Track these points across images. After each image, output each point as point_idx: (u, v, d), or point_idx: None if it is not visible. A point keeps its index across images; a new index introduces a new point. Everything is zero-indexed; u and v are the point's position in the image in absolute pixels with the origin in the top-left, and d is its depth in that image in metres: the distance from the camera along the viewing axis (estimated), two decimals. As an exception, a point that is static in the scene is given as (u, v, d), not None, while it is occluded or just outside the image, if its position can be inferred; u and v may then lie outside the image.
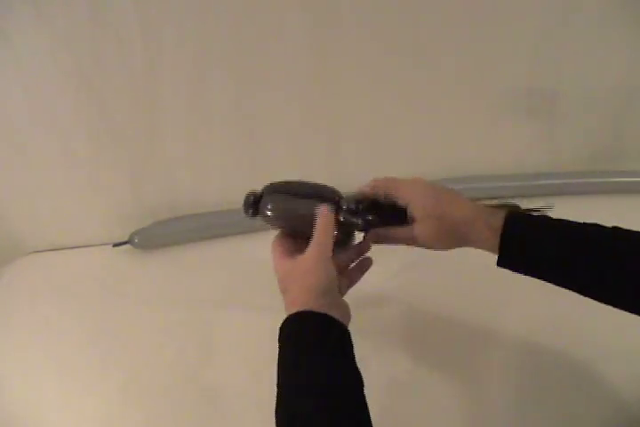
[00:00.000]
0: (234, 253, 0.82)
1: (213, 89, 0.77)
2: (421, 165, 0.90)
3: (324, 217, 0.49)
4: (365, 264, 0.55)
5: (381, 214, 0.52)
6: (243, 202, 0.51)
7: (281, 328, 0.45)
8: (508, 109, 0.88)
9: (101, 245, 0.87)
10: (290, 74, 0.79)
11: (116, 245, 0.84)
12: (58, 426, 0.62)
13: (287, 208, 0.50)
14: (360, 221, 0.52)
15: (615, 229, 0.44)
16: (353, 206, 0.51)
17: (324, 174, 0.87)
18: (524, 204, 0.52)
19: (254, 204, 0.51)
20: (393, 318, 0.69)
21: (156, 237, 0.86)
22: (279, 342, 0.45)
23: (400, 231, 0.51)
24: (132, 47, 0.72)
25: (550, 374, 0.62)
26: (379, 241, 0.54)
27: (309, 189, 0.52)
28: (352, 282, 0.54)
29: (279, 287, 0.50)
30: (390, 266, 0.62)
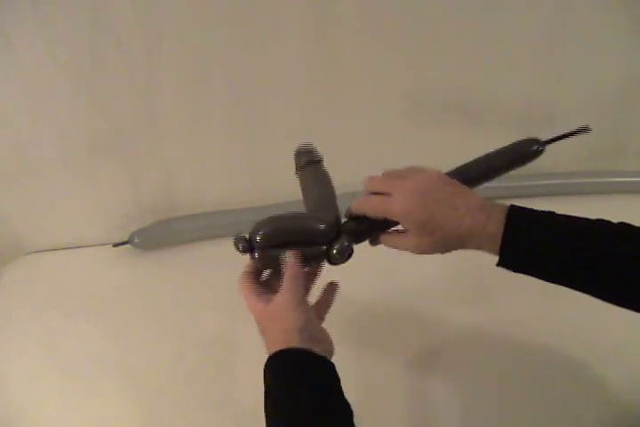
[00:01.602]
0: (234, 254, 0.82)
1: (213, 89, 0.77)
2: (422, 164, 0.90)
3: (290, 268, 0.49)
4: (333, 288, 0.55)
5: (376, 227, 0.51)
6: (233, 244, 0.52)
7: (265, 369, 0.45)
8: (507, 109, 0.88)
9: (101, 245, 0.87)
10: (290, 74, 0.79)
11: (115, 245, 0.84)
12: (57, 426, 0.62)
13: (274, 261, 0.51)
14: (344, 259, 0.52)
15: (622, 225, 0.44)
16: (346, 245, 0.51)
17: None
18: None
19: (243, 251, 0.52)
20: (386, 320, 0.70)
21: (156, 237, 0.86)
22: (264, 382, 0.44)
23: (394, 240, 0.51)
24: (131, 47, 0.72)
25: (549, 375, 0.62)
26: (376, 244, 0.54)
27: (300, 234, 0.51)
28: (328, 305, 0.54)
29: (258, 328, 0.50)
30: (383, 267, 0.62)
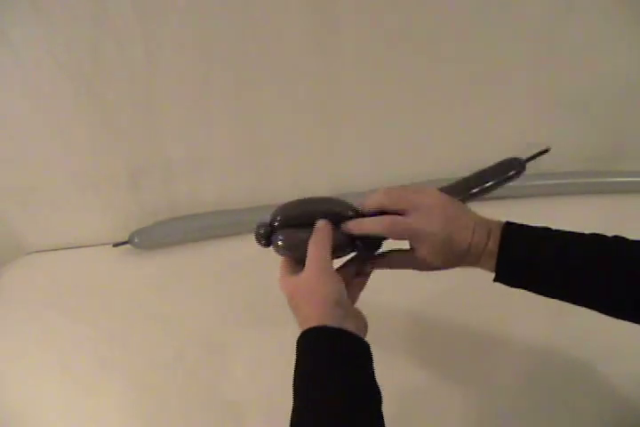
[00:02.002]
0: (234, 254, 0.82)
1: (213, 89, 0.77)
2: (422, 164, 0.90)
3: (319, 231, 0.48)
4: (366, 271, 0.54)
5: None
6: (254, 233, 0.51)
7: (297, 344, 0.44)
8: (507, 109, 0.88)
9: (101, 245, 0.87)
10: (290, 74, 0.79)
11: (115, 245, 0.84)
12: (57, 426, 0.62)
13: (298, 242, 0.49)
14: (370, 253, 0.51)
15: (616, 238, 0.44)
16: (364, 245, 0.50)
17: (324, 175, 0.88)
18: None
19: (265, 236, 0.50)
20: (398, 325, 0.70)
21: (156, 237, 0.86)
22: (296, 356, 0.43)
23: (402, 259, 0.50)
24: (132, 47, 0.72)
25: (550, 375, 0.62)
26: (378, 266, 0.53)
27: (321, 215, 0.50)
28: (360, 288, 0.53)
29: (290, 306, 0.48)
30: (395, 274, 0.63)
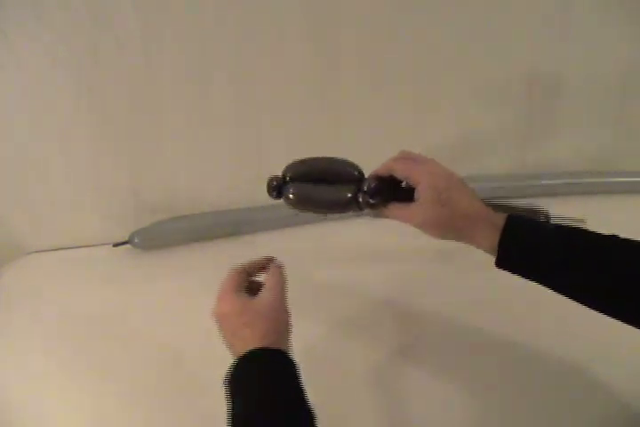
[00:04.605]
0: (234, 254, 0.82)
1: (213, 89, 0.77)
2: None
3: (276, 269, 0.52)
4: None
5: (392, 192, 0.52)
6: (266, 185, 0.54)
7: (237, 366, 0.45)
8: (508, 109, 0.88)
9: (101, 245, 0.87)
10: (290, 74, 0.79)
11: (115, 245, 0.84)
12: (57, 426, 0.62)
13: (308, 196, 0.53)
14: (376, 201, 0.52)
15: (614, 236, 0.44)
16: (372, 187, 0.52)
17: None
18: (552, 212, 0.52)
19: (277, 188, 0.54)
20: (388, 319, 0.70)
21: (156, 237, 0.86)
22: (231, 378, 0.44)
23: (401, 209, 0.51)
24: (131, 47, 0.72)
25: (548, 375, 0.62)
26: (379, 215, 0.54)
27: (332, 174, 0.54)
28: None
29: (226, 321, 0.50)
30: (389, 267, 0.63)
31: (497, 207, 0.54)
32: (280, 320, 0.48)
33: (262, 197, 0.88)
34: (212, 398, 0.63)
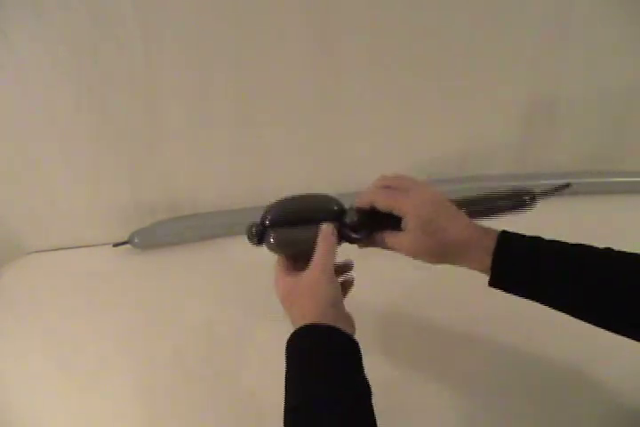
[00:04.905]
0: (234, 254, 0.82)
1: (213, 89, 0.77)
2: (422, 165, 0.90)
3: (327, 237, 0.50)
4: (349, 267, 0.57)
5: (378, 222, 0.51)
6: (245, 232, 0.53)
7: (290, 341, 0.46)
8: (508, 109, 0.88)
9: (101, 245, 0.87)
10: (291, 74, 0.79)
11: (115, 245, 0.84)
12: (57, 426, 0.62)
13: (290, 239, 0.52)
14: (360, 236, 0.52)
15: (608, 250, 0.44)
16: (355, 221, 0.51)
17: (324, 176, 0.88)
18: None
19: (257, 234, 0.53)
20: (396, 325, 0.70)
21: (156, 237, 0.86)
22: (287, 353, 0.45)
23: (390, 238, 0.50)
24: (131, 47, 0.72)
25: (548, 375, 0.62)
26: (367, 245, 0.54)
27: (310, 212, 0.53)
28: (348, 290, 0.55)
29: (283, 303, 0.50)
30: (382, 275, 0.63)
31: (480, 201, 0.55)
32: (319, 295, 0.47)
33: (262, 197, 0.89)
34: (212, 397, 0.63)
